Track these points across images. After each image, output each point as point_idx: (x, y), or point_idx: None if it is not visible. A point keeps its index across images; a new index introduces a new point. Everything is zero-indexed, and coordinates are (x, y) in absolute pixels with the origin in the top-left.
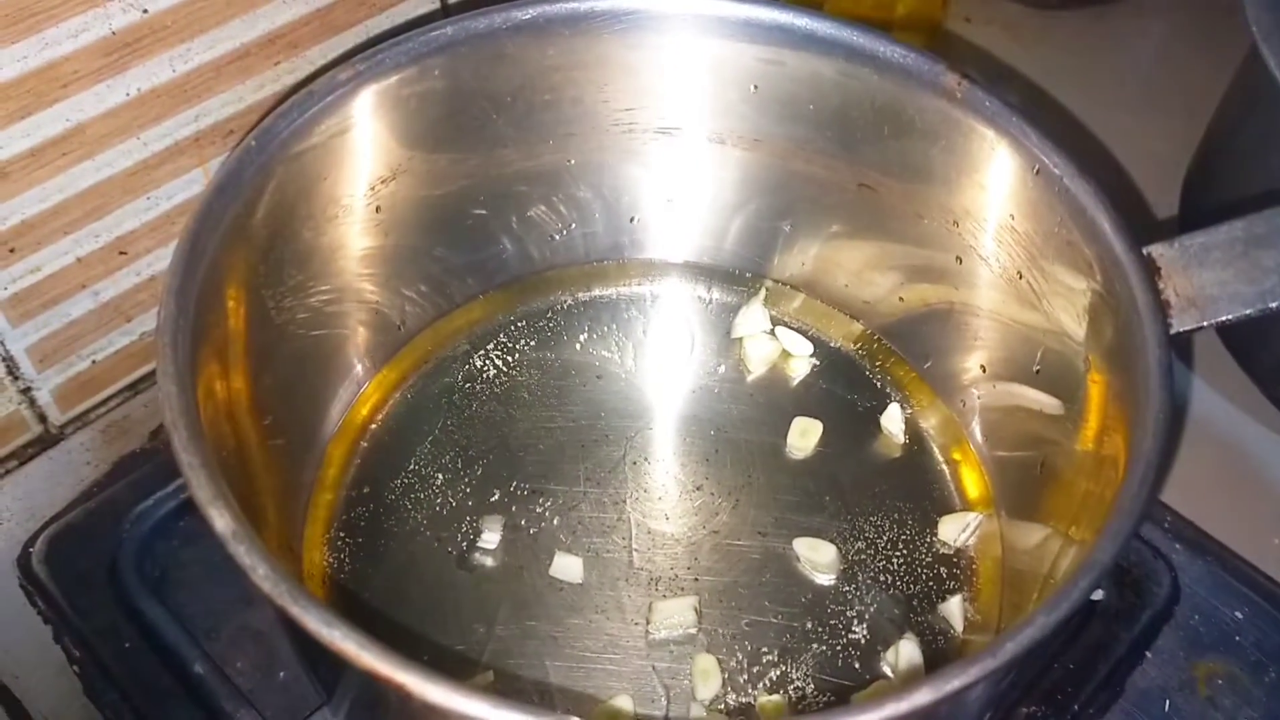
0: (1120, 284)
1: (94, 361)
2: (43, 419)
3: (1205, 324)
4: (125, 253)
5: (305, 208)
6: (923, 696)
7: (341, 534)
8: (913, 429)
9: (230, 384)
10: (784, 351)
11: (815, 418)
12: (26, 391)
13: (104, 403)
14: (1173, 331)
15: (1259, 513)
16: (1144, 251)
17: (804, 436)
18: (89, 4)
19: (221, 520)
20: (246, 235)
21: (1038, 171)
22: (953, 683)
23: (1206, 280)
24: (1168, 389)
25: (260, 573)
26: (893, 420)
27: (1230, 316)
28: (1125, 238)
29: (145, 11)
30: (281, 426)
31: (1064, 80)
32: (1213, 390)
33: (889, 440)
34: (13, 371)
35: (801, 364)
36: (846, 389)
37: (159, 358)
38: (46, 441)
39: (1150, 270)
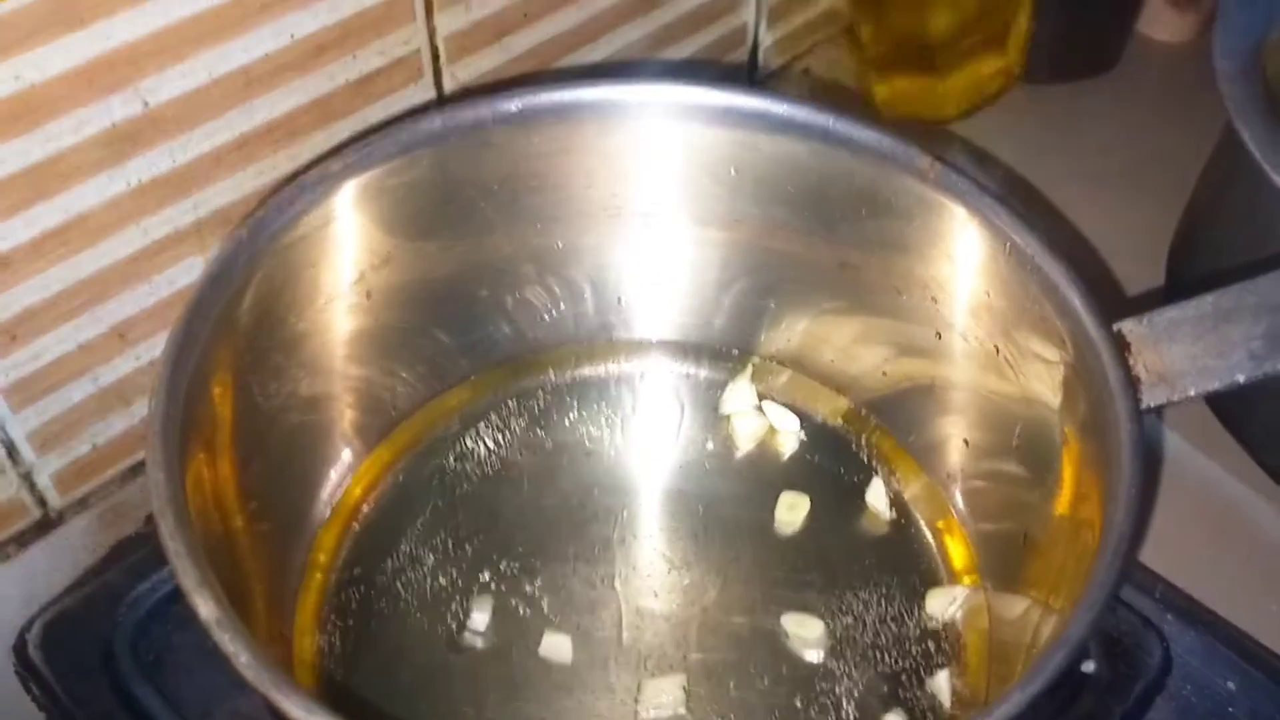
0: (1092, 359)
1: (93, 445)
2: (42, 503)
3: (1175, 399)
4: (125, 337)
5: (294, 295)
6: None
7: (332, 617)
8: (899, 502)
9: (218, 471)
10: (771, 427)
11: (802, 492)
12: (26, 476)
13: (103, 486)
14: (1143, 407)
15: (1253, 579)
16: (1114, 328)
17: (791, 511)
18: (91, 98)
19: (205, 607)
20: (236, 324)
21: (1009, 250)
22: None
23: (1176, 356)
24: (1139, 463)
25: (243, 660)
26: (877, 496)
27: (1198, 391)
28: (1096, 314)
29: (146, 104)
30: (268, 511)
31: (1049, 152)
32: (1206, 458)
33: (875, 515)
34: (13, 456)
35: (789, 439)
36: (833, 463)
37: (148, 447)
38: (45, 525)
39: (1121, 346)
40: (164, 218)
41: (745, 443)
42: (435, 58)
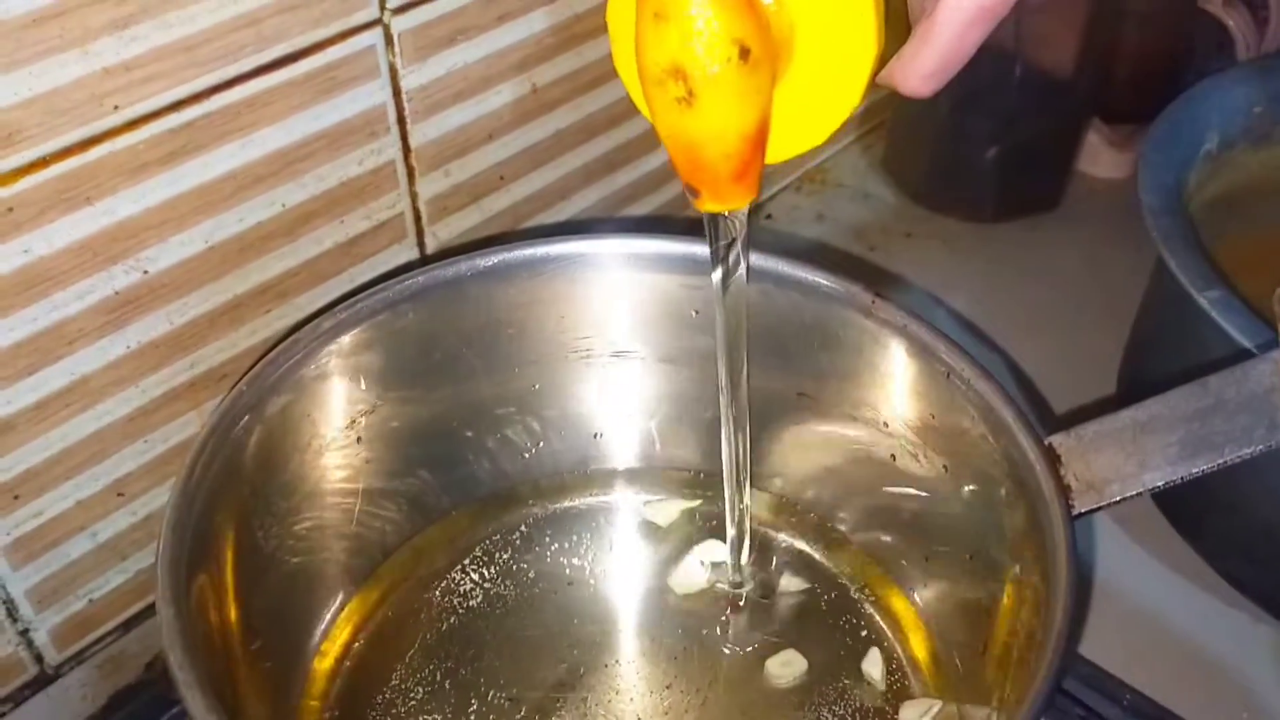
0: (1026, 472)
1: (90, 600)
2: (39, 659)
3: (1103, 504)
4: (123, 494)
5: (291, 442)
6: None
7: None
8: (870, 622)
9: (223, 610)
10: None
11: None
12: (24, 633)
13: (99, 640)
14: (1075, 513)
15: (1222, 689)
16: (1046, 442)
17: (785, 667)
18: (95, 268)
19: None
20: (238, 470)
21: (948, 375)
22: None
23: (1101, 465)
24: (1073, 564)
25: None
26: (847, 613)
27: (1122, 496)
28: (1028, 430)
29: (146, 272)
30: (271, 650)
31: (999, 286)
32: (1170, 571)
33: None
34: (12, 614)
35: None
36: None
37: (158, 584)
38: (41, 681)
39: (1052, 459)
40: (161, 378)
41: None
42: (417, 219)
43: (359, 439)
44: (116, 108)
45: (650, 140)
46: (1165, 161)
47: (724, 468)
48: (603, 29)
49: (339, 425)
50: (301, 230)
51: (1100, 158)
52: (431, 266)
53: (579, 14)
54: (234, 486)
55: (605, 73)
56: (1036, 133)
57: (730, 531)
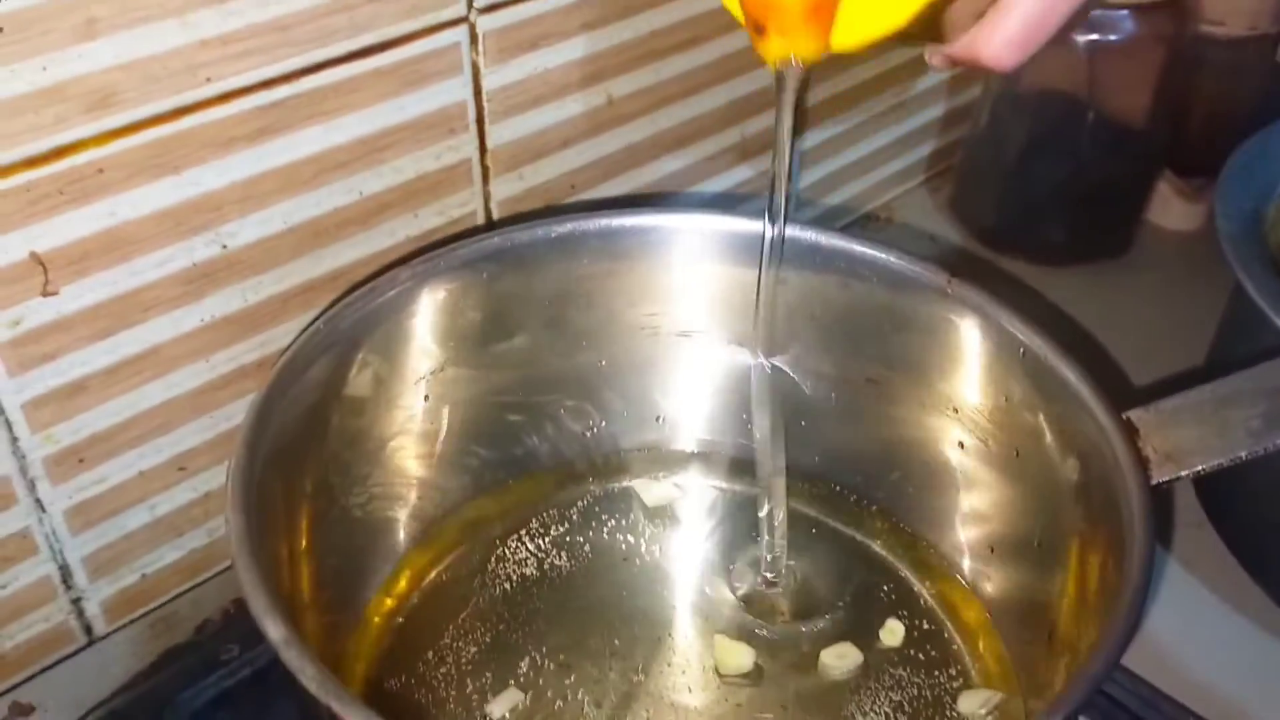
0: (1104, 445)
1: (143, 575)
2: (88, 630)
3: (1182, 474)
4: (184, 469)
5: (361, 389)
6: None
7: (372, 704)
8: (929, 609)
9: (295, 561)
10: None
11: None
12: (77, 602)
13: (146, 614)
14: (1153, 482)
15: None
16: (1124, 416)
17: (841, 659)
18: (176, 238)
19: (275, 629)
20: (309, 414)
21: (1024, 354)
22: None
23: (1180, 437)
24: (1150, 533)
25: (308, 674)
26: (909, 604)
27: (1204, 467)
28: (1105, 404)
29: (225, 247)
30: (329, 599)
31: (1065, 331)
32: (1239, 613)
33: (904, 626)
34: (66, 580)
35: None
36: (864, 574)
37: (228, 490)
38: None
39: (1130, 431)
40: (231, 354)
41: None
42: (489, 219)
43: (426, 397)
44: (209, 80)
45: (720, 164)
46: (1242, 191)
47: (757, 457)
48: (678, 48)
49: (408, 380)
50: (376, 220)
51: (1171, 209)
52: (507, 230)
53: (656, 30)
54: (301, 424)
55: (680, 90)
56: (1106, 179)
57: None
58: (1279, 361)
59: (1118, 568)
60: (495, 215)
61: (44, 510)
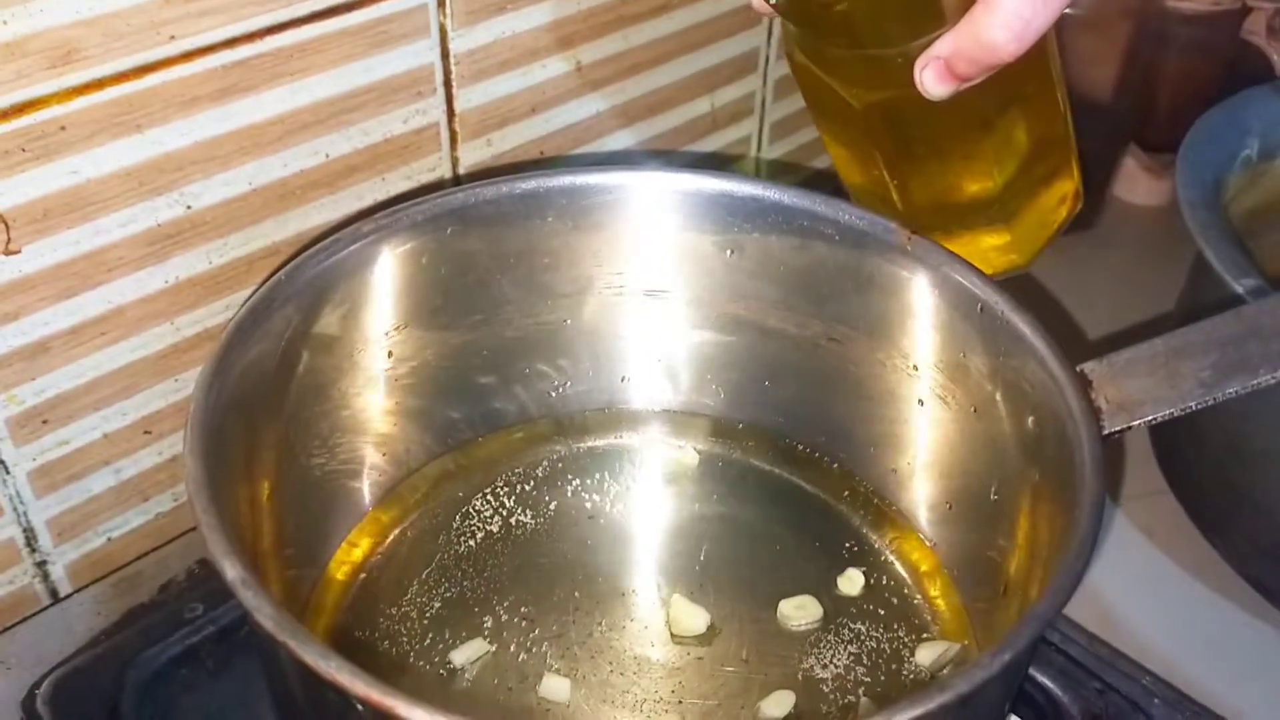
0: (1058, 398)
1: (109, 539)
2: (54, 594)
3: (1134, 424)
4: (149, 432)
5: (323, 343)
6: None
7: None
8: (888, 564)
9: (254, 504)
10: None
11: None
12: (41, 565)
13: (111, 574)
14: (1105, 432)
15: (1238, 668)
16: (1078, 369)
17: (800, 610)
18: (140, 198)
19: (232, 570)
20: (268, 358)
21: (981, 309)
22: None
23: (1133, 389)
24: (1100, 481)
25: (265, 613)
26: (868, 559)
27: (1154, 417)
28: (1059, 357)
29: (189, 208)
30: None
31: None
32: (1190, 575)
33: (863, 578)
34: (31, 543)
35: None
36: (824, 529)
37: (187, 432)
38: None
39: (1083, 383)
40: (196, 316)
41: None
42: (457, 184)
43: (389, 353)
44: (173, 38)
45: (689, 134)
46: (1204, 161)
47: None
48: (648, 15)
49: (370, 336)
50: (343, 183)
51: (1137, 184)
52: (472, 185)
53: None
54: (262, 374)
55: (650, 59)
56: None
57: None
58: (1229, 314)
59: (1068, 516)
60: (463, 180)
61: (8, 472)
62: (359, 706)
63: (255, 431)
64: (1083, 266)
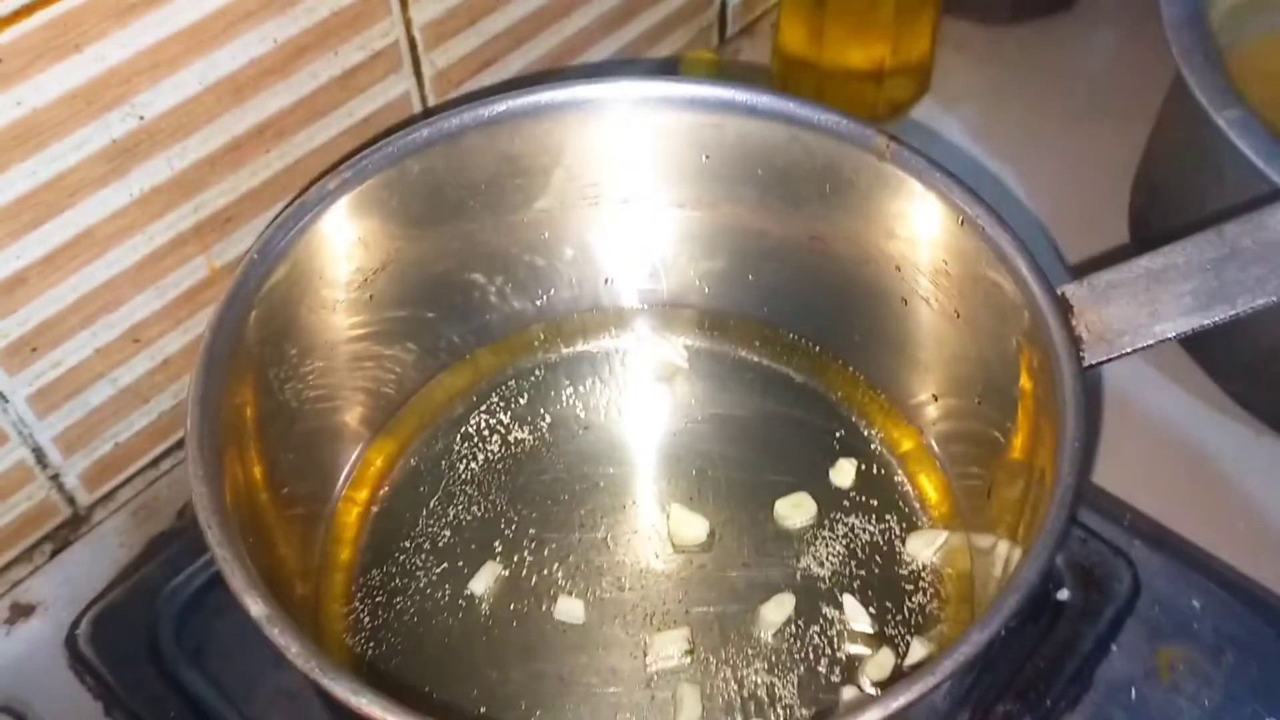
0: (1039, 321)
1: (116, 444)
2: (71, 501)
3: (1114, 356)
4: (139, 340)
5: (307, 303)
6: (873, 714)
7: (358, 594)
8: (880, 458)
9: (249, 469)
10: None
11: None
12: (55, 478)
13: (128, 480)
14: (1085, 365)
15: (1218, 500)
16: (1059, 291)
17: (796, 509)
18: (90, 117)
19: (256, 607)
20: (257, 336)
21: (963, 222)
22: (899, 699)
23: (1113, 315)
24: (1083, 419)
25: (294, 651)
26: (858, 450)
27: (1134, 349)
28: (1041, 280)
29: (142, 118)
30: (298, 498)
31: (1012, 94)
32: (1174, 386)
33: (856, 467)
34: (41, 461)
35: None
36: (813, 416)
37: (189, 461)
38: (76, 522)
39: (1064, 309)
40: (166, 223)
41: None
42: (413, 47)
43: (371, 297)
44: None
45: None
46: None
47: None
48: None
49: (352, 284)
50: (295, 65)
51: None
52: (434, 119)
53: None
54: (254, 350)
55: None
56: None
57: None
58: (1210, 234)
59: (1052, 447)
60: (419, 42)
61: (6, 401)
62: None
63: (255, 403)
64: (1065, 46)
